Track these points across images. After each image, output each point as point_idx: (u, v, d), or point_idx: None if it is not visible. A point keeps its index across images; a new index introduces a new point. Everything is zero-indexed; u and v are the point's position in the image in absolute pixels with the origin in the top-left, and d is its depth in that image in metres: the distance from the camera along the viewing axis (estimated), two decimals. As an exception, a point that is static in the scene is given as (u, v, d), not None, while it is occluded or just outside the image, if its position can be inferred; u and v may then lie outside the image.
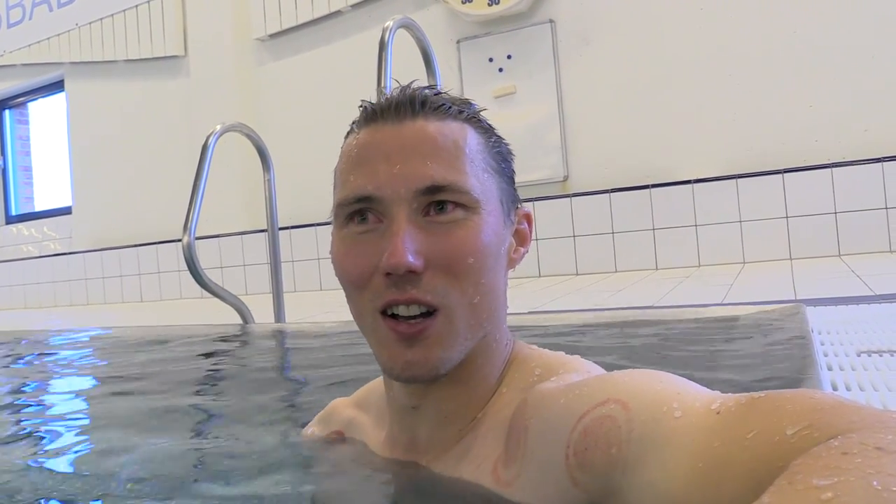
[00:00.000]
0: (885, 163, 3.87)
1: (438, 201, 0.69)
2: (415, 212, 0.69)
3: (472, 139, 0.73)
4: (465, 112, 0.74)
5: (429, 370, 0.70)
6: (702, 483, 0.48)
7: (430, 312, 0.68)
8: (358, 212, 0.71)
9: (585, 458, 0.58)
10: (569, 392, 0.63)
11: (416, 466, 0.78)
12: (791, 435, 0.43)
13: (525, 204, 0.81)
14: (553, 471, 0.61)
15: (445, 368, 0.70)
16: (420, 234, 0.68)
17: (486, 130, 0.76)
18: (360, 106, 0.75)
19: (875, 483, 0.34)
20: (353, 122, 0.76)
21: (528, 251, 0.80)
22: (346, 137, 0.76)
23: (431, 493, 0.76)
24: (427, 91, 0.73)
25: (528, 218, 0.80)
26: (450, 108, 0.73)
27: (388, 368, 0.72)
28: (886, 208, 3.86)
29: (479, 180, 0.71)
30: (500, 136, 0.78)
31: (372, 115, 0.73)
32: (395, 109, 0.71)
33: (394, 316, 0.69)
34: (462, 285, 0.69)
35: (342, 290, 0.75)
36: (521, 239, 0.79)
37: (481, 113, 0.77)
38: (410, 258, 0.66)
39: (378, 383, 0.89)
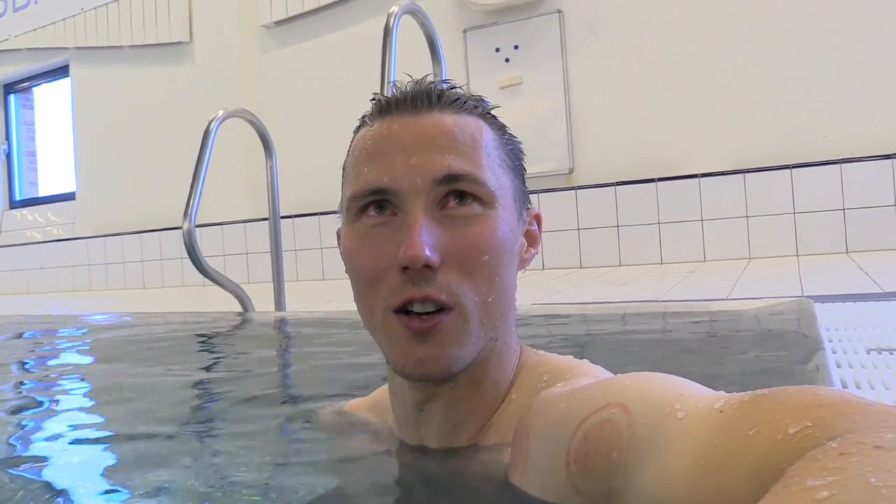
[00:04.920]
0: (894, 159, 3.83)
1: (456, 192, 0.68)
2: (431, 204, 0.67)
3: (487, 134, 0.72)
4: (479, 107, 0.74)
5: (442, 368, 0.68)
6: (703, 482, 0.45)
7: (443, 309, 0.67)
8: (372, 204, 0.69)
9: (586, 464, 0.56)
10: (570, 397, 0.62)
11: (424, 470, 0.76)
12: (794, 434, 0.41)
13: (530, 196, 0.80)
14: (554, 477, 0.59)
15: (458, 367, 0.68)
16: (436, 228, 0.67)
17: (500, 128, 0.76)
18: (373, 99, 0.74)
19: (872, 479, 0.32)
20: (365, 116, 0.75)
21: (537, 253, 0.78)
22: (357, 132, 0.75)
23: (441, 493, 0.74)
24: (443, 85, 0.73)
25: (538, 219, 0.79)
26: (465, 102, 0.72)
27: (400, 367, 0.69)
28: (895, 205, 3.82)
29: (494, 175, 0.70)
30: (512, 135, 0.77)
31: (387, 107, 0.72)
32: (411, 101, 0.71)
33: (406, 312, 0.67)
34: (476, 283, 0.67)
35: (347, 280, 0.73)
36: (532, 240, 0.78)
37: (493, 111, 0.76)
38: (428, 252, 0.64)
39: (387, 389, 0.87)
